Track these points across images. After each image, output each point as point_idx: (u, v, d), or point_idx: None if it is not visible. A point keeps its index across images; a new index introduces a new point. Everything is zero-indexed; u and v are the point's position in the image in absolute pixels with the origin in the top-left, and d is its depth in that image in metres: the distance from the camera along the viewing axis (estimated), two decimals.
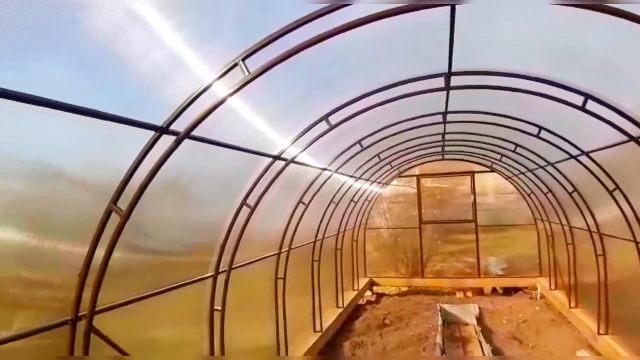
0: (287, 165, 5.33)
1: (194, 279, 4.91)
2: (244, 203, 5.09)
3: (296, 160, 5.56)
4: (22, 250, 3.00)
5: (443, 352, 8.53)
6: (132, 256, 4.15)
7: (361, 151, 7.25)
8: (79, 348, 3.37)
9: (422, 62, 4.75)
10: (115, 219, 3.23)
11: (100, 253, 3.28)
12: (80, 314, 3.32)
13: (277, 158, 5.09)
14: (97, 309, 3.37)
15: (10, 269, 3.03)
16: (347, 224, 11.57)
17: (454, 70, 4.78)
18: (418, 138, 8.63)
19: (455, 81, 4.98)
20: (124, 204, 3.24)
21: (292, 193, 7.08)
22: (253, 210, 5.18)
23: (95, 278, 3.23)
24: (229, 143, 4.10)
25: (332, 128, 5.09)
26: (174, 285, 4.53)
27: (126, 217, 3.13)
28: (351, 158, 7.34)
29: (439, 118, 7.01)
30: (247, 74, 2.93)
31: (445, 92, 5.64)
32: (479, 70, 4.83)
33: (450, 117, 7.03)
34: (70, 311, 3.31)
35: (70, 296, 3.31)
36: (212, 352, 5.27)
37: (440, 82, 5.01)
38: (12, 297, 3.10)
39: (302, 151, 5.31)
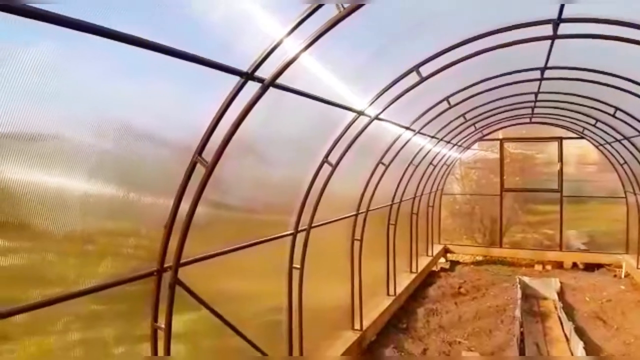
0: (371, 121, 5.01)
1: (275, 236, 4.82)
2: (325, 160, 4.88)
3: (380, 117, 5.21)
4: (111, 203, 3.04)
5: (521, 326, 8.11)
6: (215, 212, 4.12)
7: (448, 109, 6.73)
8: (163, 299, 3.38)
9: (526, 7, 4.17)
10: (199, 171, 3.14)
11: (184, 206, 3.22)
12: (165, 265, 3.30)
13: (360, 113, 4.78)
14: (181, 261, 3.33)
15: (100, 221, 3.08)
16: (424, 188, 11.12)
17: (564, 16, 4.15)
18: (508, 97, 7.92)
19: (563, 29, 4.35)
20: (207, 156, 3.12)
21: (370, 154, 6.78)
22: (334, 168, 4.96)
23: (181, 230, 3.17)
24: (313, 94, 3.83)
25: (423, 80, 4.67)
26: (256, 241, 4.46)
27: (211, 168, 3.01)
28: (436, 116, 6.85)
29: (536, 74, 6.33)
30: (342, 9, 2.61)
31: (548, 43, 5.00)
32: (593, 17, 4.14)
33: (547, 74, 6.31)
34: (155, 261, 3.30)
35: (155, 247, 3.31)
36: (290, 308, 5.24)
37: (544, 31, 4.40)
38: (103, 246, 3.17)
39: (388, 105, 4.95)
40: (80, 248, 2.99)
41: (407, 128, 6.70)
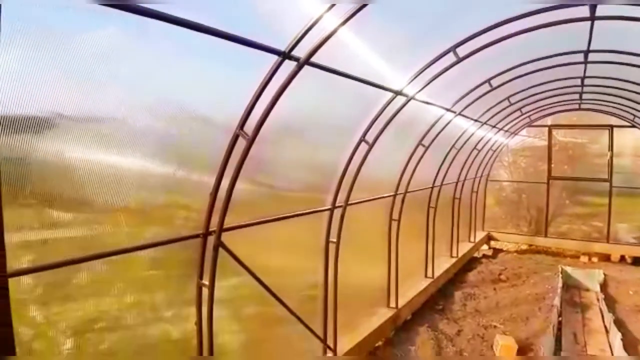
0: (407, 101, 5.12)
1: (312, 210, 5.08)
2: (362, 139, 5.06)
3: (417, 97, 5.32)
4: (164, 179, 3.39)
5: (559, 315, 8.06)
6: (255, 189, 4.42)
7: (489, 91, 6.71)
8: (208, 261, 3.71)
9: None
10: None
11: (227, 177, 3.51)
12: (210, 230, 3.62)
13: (398, 93, 4.91)
14: (224, 227, 3.64)
15: (154, 195, 3.43)
16: (467, 173, 11.05)
17: None
18: (553, 81, 7.74)
19: (601, 11, 4.28)
20: (248, 130, 3.38)
21: (409, 135, 6.88)
22: (371, 146, 5.13)
23: (225, 196, 3.47)
24: (348, 72, 4.01)
25: (460, 60, 4.73)
26: (294, 214, 4.73)
27: (251, 140, 3.28)
28: (478, 99, 6.83)
29: (579, 57, 6.18)
30: None
31: (588, 24, 4.90)
32: None
33: (591, 57, 6.15)
34: (201, 228, 3.62)
35: (202, 219, 3.63)
36: (325, 281, 5.50)
37: (582, 12, 4.35)
38: (155, 218, 3.51)
39: (424, 85, 5.04)
40: (134, 220, 3.29)
41: (448, 110, 6.73)
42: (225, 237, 3.74)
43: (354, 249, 6.18)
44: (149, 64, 2.90)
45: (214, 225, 3.63)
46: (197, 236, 3.58)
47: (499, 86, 6.66)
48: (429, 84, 5.03)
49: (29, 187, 2.56)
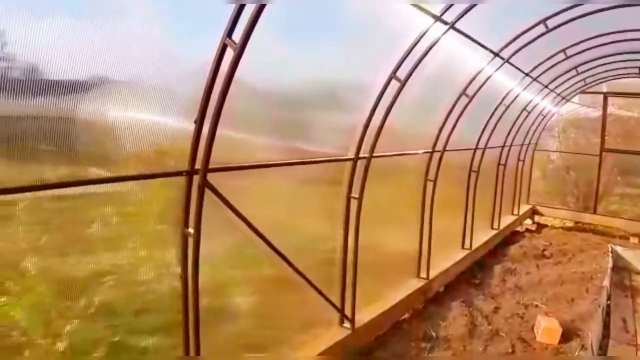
0: (448, 28, 4.26)
1: (329, 158, 4.39)
2: (392, 76, 4.29)
3: (458, 27, 4.43)
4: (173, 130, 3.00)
5: (609, 298, 7.27)
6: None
7: (544, 34, 5.69)
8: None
9: None
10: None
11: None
12: (195, 168, 3.00)
13: (437, 18, 4.06)
14: (211, 167, 3.01)
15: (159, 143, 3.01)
16: (514, 138, 10.01)
17: None
18: (613, 33, 6.59)
19: None
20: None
21: (449, 86, 6.04)
22: (403, 84, 4.35)
23: (211, 122, 2.82)
24: None
25: None
26: (303, 160, 4.04)
27: (239, 49, 2.62)
28: (530, 42, 5.82)
29: None
30: None
31: None
32: None
33: None
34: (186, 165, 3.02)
35: None
36: (345, 243, 4.86)
37: None
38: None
39: (467, 10, 4.14)
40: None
41: (496, 54, 5.78)
42: (224, 190, 3.14)
43: (381, 210, 5.50)
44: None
45: (200, 164, 3.00)
46: (180, 173, 2.97)
47: (554, 28, 5.62)
48: (471, 8, 4.13)
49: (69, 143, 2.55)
